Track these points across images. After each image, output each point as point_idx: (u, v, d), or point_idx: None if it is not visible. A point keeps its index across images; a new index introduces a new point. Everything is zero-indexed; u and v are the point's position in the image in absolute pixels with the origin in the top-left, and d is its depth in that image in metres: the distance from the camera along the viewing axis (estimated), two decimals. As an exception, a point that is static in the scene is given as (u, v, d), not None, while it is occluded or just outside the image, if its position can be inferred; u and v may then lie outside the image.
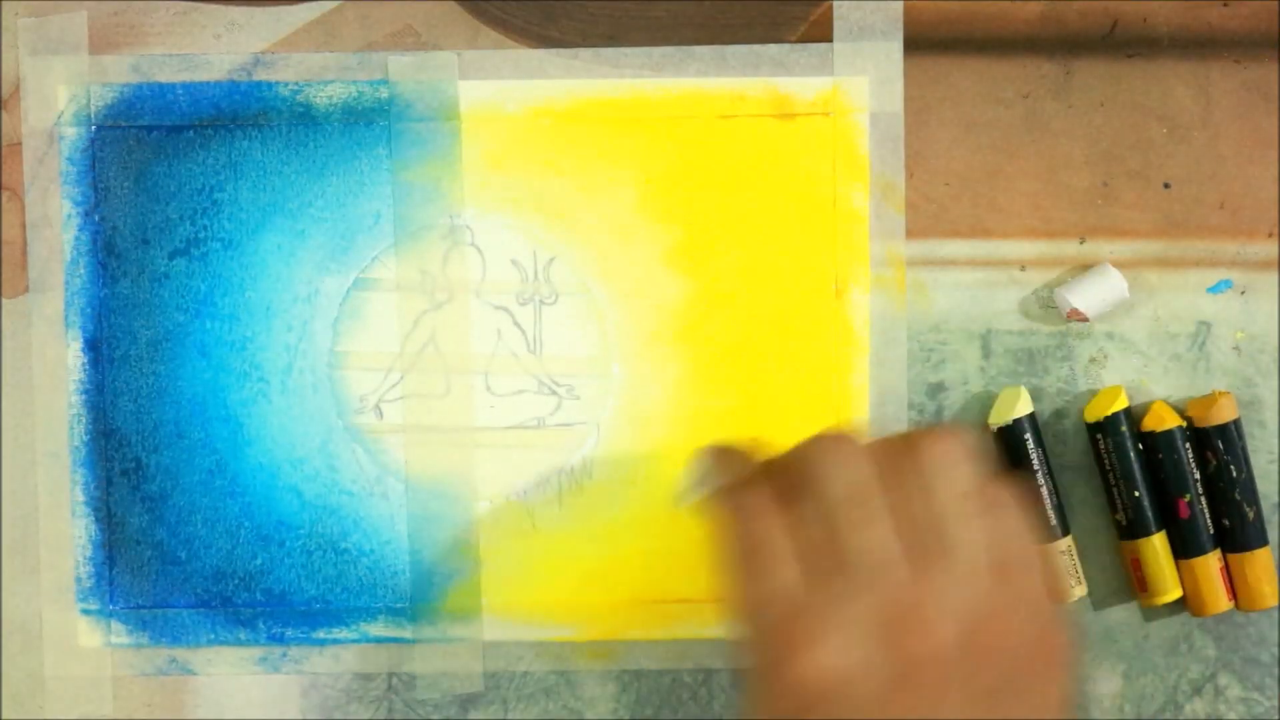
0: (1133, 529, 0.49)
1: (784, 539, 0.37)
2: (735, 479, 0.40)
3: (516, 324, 0.50)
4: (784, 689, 0.35)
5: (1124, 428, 0.48)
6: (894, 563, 0.36)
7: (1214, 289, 0.50)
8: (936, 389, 0.50)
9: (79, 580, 0.50)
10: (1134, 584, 0.49)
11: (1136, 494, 0.48)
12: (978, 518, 0.37)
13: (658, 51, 0.49)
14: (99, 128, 0.50)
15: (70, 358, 0.50)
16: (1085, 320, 0.49)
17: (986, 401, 0.50)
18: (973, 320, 0.50)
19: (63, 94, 0.50)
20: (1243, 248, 0.49)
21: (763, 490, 0.38)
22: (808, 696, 0.35)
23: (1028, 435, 0.48)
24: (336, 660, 0.50)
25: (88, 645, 0.50)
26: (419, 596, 0.50)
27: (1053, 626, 0.37)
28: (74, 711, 0.50)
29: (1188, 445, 0.49)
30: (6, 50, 0.50)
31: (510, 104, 0.49)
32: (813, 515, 0.37)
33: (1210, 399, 0.49)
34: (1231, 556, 0.49)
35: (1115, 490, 0.49)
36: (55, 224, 0.50)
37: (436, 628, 0.50)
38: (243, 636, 0.50)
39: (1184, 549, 0.49)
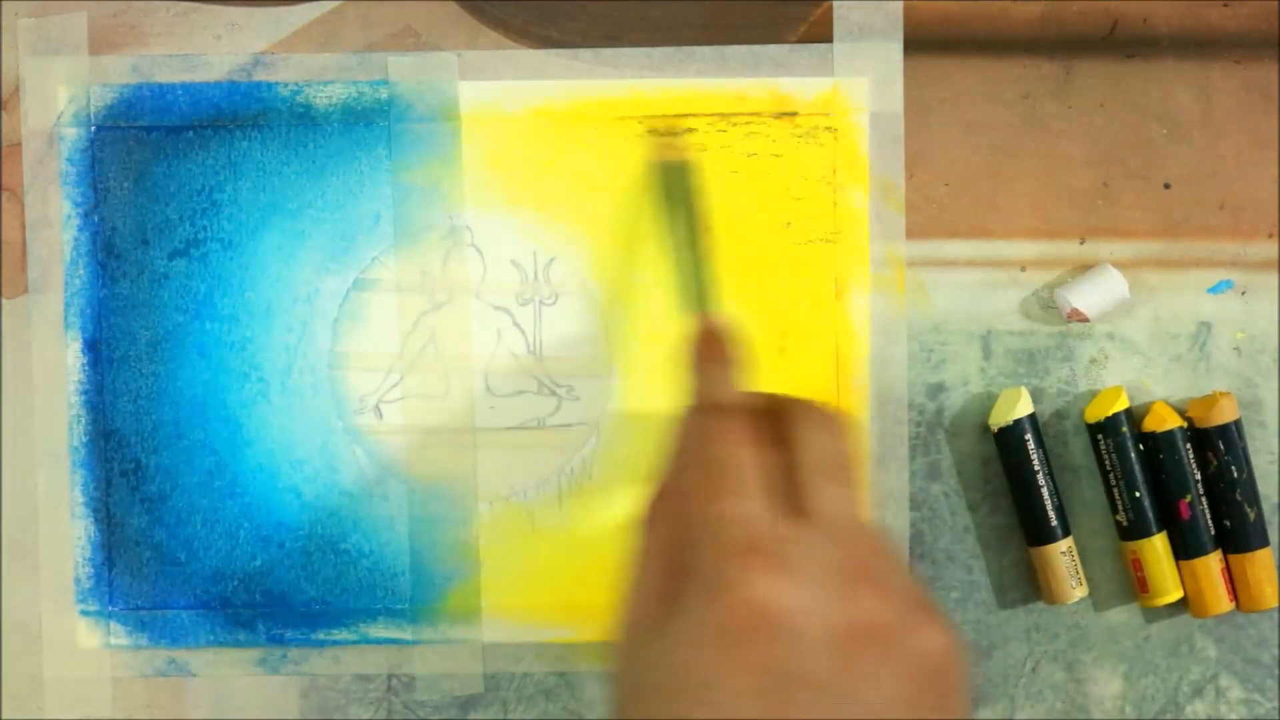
0: (1133, 530, 0.49)
1: (757, 472, 0.38)
2: (716, 397, 0.41)
3: (516, 324, 0.50)
4: (731, 606, 0.35)
5: (1125, 428, 0.48)
6: (857, 528, 0.37)
7: (1214, 289, 0.50)
8: (936, 389, 0.50)
9: (78, 581, 0.50)
10: (1135, 585, 0.49)
11: (1137, 495, 0.48)
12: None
13: (658, 51, 0.49)
14: (99, 128, 0.50)
15: (70, 358, 0.50)
16: (1085, 320, 0.49)
17: (987, 402, 0.50)
18: (973, 320, 0.50)
19: (63, 94, 0.50)
20: (1243, 248, 0.49)
21: (745, 422, 0.39)
22: (752, 620, 0.35)
23: (1028, 436, 0.48)
24: (336, 661, 0.50)
25: (87, 646, 0.50)
26: (419, 597, 0.50)
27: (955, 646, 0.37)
28: (73, 712, 0.50)
29: (1188, 446, 0.49)
30: (6, 50, 0.50)
31: (510, 104, 0.49)
32: (789, 464, 0.38)
33: (1211, 399, 0.49)
34: (1232, 557, 0.49)
35: (1116, 491, 0.49)
36: (55, 224, 0.50)
37: (436, 629, 0.50)
38: (242, 638, 0.50)
39: (1185, 550, 0.49)
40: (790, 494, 0.38)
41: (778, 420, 0.39)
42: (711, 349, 0.43)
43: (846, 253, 0.49)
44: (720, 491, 0.37)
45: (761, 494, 0.37)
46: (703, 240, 0.47)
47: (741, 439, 0.38)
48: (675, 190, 0.48)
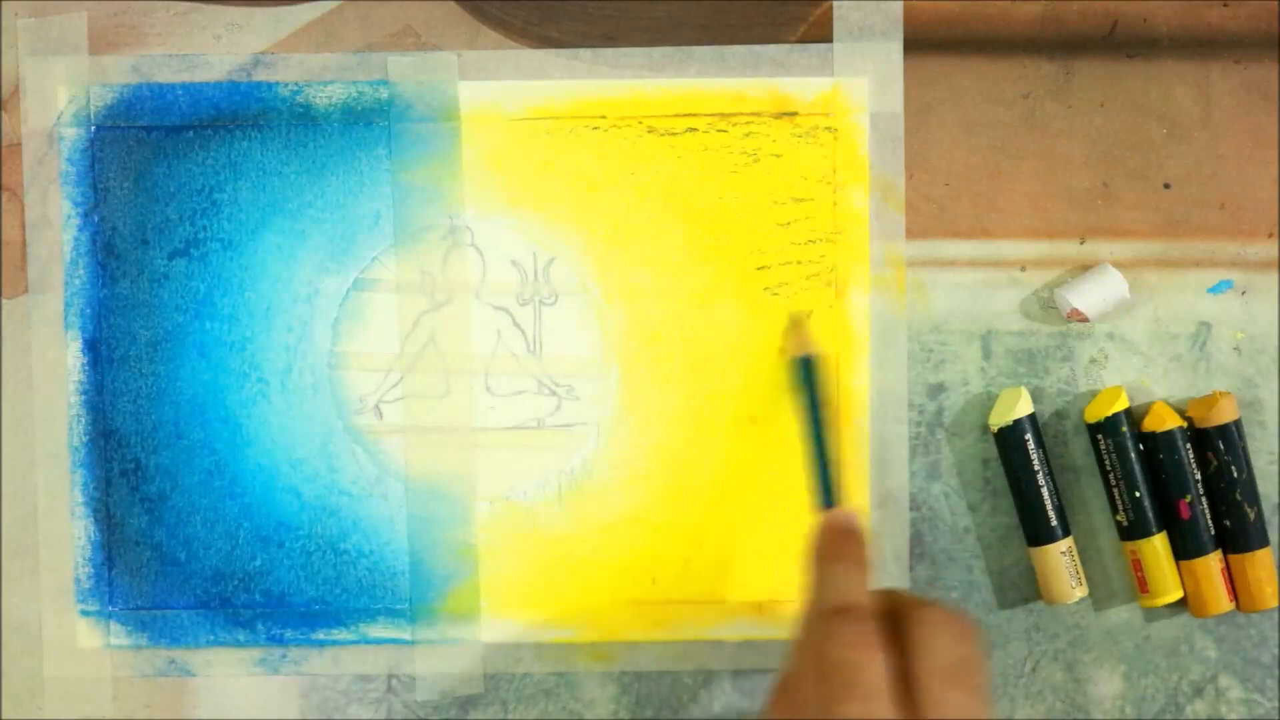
0: (1134, 530, 0.49)
1: (877, 677, 0.39)
2: (840, 597, 0.41)
3: (516, 324, 0.50)
4: None
5: (1124, 428, 0.48)
6: None
7: (1214, 289, 0.50)
8: (936, 389, 0.50)
9: (78, 581, 0.50)
10: (1135, 585, 0.49)
11: (1137, 494, 0.48)
12: None
13: (658, 51, 0.49)
14: (99, 128, 0.50)
15: (70, 358, 0.50)
16: (1085, 320, 0.49)
17: (987, 402, 0.50)
18: (973, 320, 0.50)
19: (62, 94, 0.50)
20: (1243, 248, 0.49)
21: (867, 624, 0.40)
22: None
23: (1028, 436, 0.48)
24: (336, 661, 0.50)
25: (87, 646, 0.50)
26: (418, 597, 0.50)
27: None
28: (73, 712, 0.50)
29: (1188, 446, 0.49)
30: (6, 50, 0.50)
31: (510, 104, 0.49)
32: (915, 670, 0.39)
33: (1211, 399, 0.49)
34: (1232, 557, 0.49)
35: (1116, 491, 0.49)
36: (55, 224, 0.50)
37: (436, 629, 0.50)
38: (242, 638, 0.50)
39: (1185, 550, 0.49)
40: (912, 698, 0.39)
41: (900, 620, 0.40)
42: (835, 546, 0.43)
43: (846, 253, 0.49)
44: (840, 697, 0.38)
45: (882, 699, 0.38)
46: (830, 433, 0.47)
47: (863, 641, 0.39)
48: (804, 382, 0.48)
